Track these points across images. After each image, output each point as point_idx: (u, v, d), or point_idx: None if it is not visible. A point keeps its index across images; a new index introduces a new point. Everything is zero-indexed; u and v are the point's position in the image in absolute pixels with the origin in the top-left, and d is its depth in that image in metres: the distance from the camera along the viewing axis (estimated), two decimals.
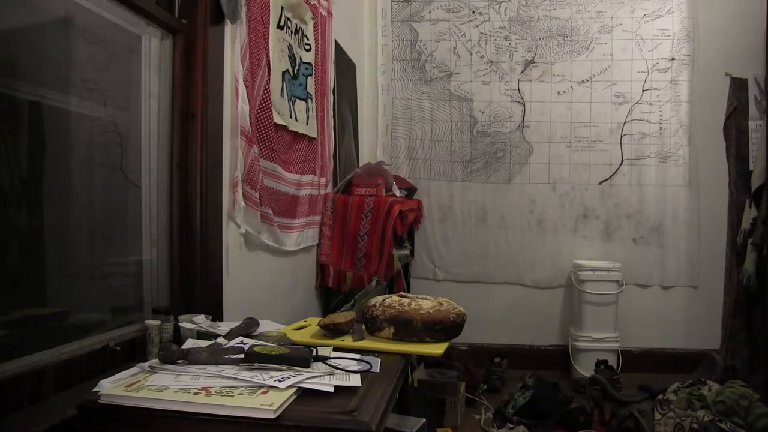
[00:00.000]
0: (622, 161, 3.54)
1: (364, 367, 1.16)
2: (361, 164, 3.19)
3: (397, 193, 2.88)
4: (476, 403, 2.92)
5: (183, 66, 1.60)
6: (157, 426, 0.96)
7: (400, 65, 3.67)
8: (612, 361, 3.19)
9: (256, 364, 1.08)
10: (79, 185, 1.39)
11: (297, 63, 2.19)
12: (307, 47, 2.30)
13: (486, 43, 3.60)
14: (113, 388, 0.99)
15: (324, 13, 2.51)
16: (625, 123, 3.52)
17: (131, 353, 1.34)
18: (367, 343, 1.37)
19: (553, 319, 3.60)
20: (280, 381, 1.00)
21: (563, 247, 3.57)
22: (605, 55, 3.52)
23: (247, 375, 1.03)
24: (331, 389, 1.02)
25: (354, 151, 3.22)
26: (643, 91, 3.50)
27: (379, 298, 1.46)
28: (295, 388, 1.00)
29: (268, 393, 0.97)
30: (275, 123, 1.94)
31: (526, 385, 2.79)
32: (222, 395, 0.96)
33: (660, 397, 2.33)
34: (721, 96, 3.45)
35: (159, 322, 1.34)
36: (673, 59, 3.48)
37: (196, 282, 1.60)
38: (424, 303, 1.42)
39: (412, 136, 3.67)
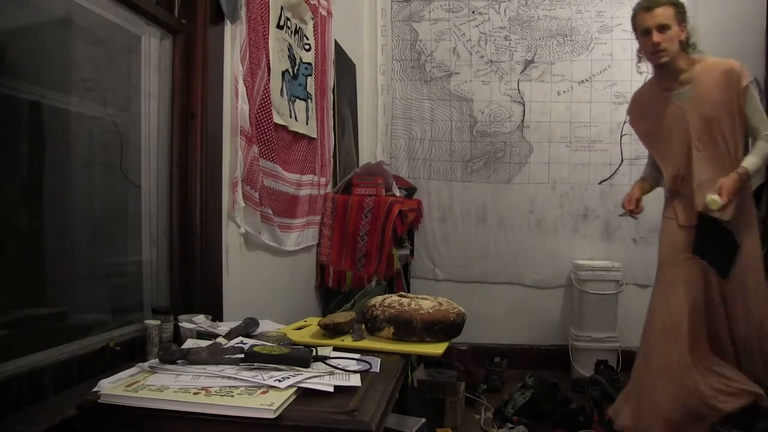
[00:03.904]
0: (622, 161, 3.54)
1: (363, 367, 1.16)
2: (360, 164, 3.19)
3: (397, 192, 2.88)
4: (476, 403, 2.92)
5: (183, 66, 1.60)
6: (157, 426, 0.96)
7: (399, 65, 3.67)
8: (612, 361, 3.19)
9: (255, 364, 1.08)
10: (79, 185, 1.39)
11: (297, 63, 2.19)
12: (306, 47, 2.30)
13: (486, 43, 3.60)
14: (113, 388, 0.99)
15: (324, 13, 2.51)
16: (624, 123, 3.51)
17: (131, 353, 1.34)
18: (366, 343, 1.37)
19: (553, 319, 3.60)
20: (279, 381, 1.00)
21: (563, 247, 3.57)
22: (605, 55, 3.52)
23: (246, 375, 1.03)
24: (331, 389, 1.02)
25: (354, 151, 3.22)
26: None
27: (379, 298, 1.46)
28: (295, 388, 1.00)
29: (268, 393, 0.97)
30: (275, 123, 1.94)
31: (526, 384, 2.79)
32: (222, 395, 0.96)
33: None
34: None
35: (159, 322, 1.34)
36: None
37: (196, 282, 1.60)
38: (423, 303, 1.42)
39: (411, 136, 3.67)
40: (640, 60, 2.42)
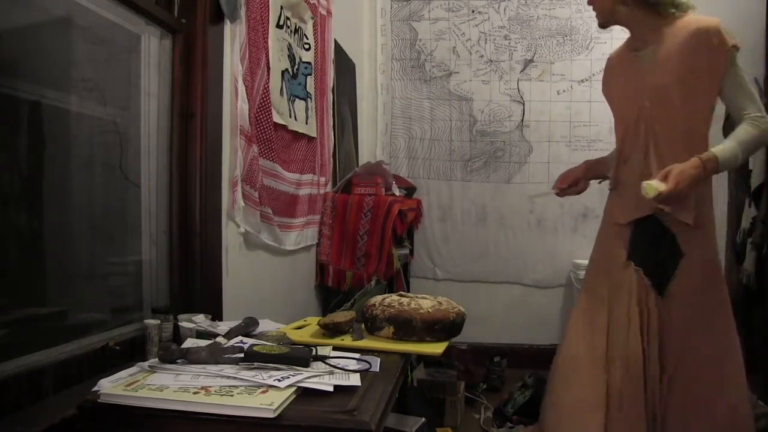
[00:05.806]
0: None
1: (363, 366, 1.16)
2: (360, 163, 3.19)
3: (397, 192, 2.88)
4: (476, 403, 2.92)
5: (182, 65, 1.60)
6: (156, 425, 0.96)
7: (399, 64, 3.67)
8: None
9: (255, 363, 1.08)
10: (78, 185, 1.39)
11: (296, 62, 2.19)
12: (306, 46, 2.30)
13: (485, 43, 3.60)
14: (113, 387, 0.99)
15: (323, 12, 2.51)
16: None
17: (131, 353, 1.34)
18: (366, 343, 1.37)
19: (553, 318, 3.60)
20: (279, 380, 1.01)
21: (563, 246, 3.57)
22: (605, 54, 3.47)
23: (246, 374, 1.03)
24: (331, 389, 1.02)
25: (353, 151, 3.22)
26: None
27: (379, 298, 1.46)
28: (295, 388, 1.00)
29: (268, 392, 0.98)
30: (275, 122, 1.94)
31: (525, 384, 2.79)
32: (221, 395, 0.96)
33: None
34: None
35: (158, 322, 1.34)
36: None
37: (196, 282, 1.60)
38: (423, 302, 1.42)
39: (411, 135, 3.67)
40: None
